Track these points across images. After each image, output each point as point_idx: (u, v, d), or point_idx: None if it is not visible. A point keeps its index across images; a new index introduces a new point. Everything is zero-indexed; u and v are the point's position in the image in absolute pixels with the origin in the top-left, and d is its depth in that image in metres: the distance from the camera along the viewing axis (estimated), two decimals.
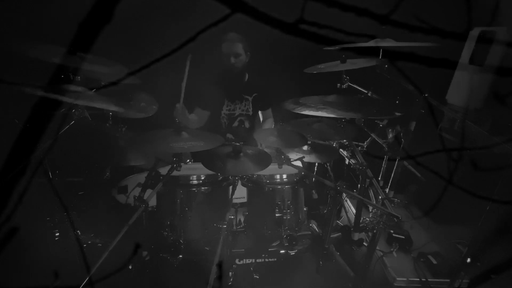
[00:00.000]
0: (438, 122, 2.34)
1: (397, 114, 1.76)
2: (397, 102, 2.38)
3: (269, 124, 2.83)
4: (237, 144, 1.84)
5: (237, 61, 2.51)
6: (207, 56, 2.46)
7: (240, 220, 2.10)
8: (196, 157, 2.48)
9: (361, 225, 2.17)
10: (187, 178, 1.95)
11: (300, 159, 2.06)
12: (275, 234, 2.01)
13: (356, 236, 2.13)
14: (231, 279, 1.92)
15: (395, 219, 1.66)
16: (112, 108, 1.57)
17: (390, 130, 2.42)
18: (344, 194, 2.20)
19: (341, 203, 2.46)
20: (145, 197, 1.77)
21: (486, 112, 2.23)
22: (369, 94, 2.44)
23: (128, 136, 2.08)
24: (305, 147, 2.18)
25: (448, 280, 1.90)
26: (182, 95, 1.98)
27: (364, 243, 2.14)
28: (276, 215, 1.98)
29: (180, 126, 1.86)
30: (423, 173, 2.85)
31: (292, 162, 2.02)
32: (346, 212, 2.61)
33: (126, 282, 1.70)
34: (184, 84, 1.92)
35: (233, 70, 2.53)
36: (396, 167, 2.53)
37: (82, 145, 1.95)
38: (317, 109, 1.77)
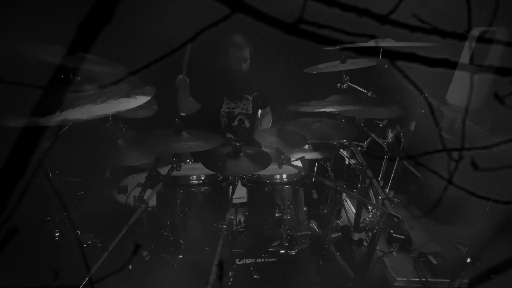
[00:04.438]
0: (438, 122, 2.34)
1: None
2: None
3: (267, 120, 2.84)
4: (237, 144, 1.84)
5: (246, 65, 2.53)
6: (208, 53, 2.46)
7: (240, 220, 2.10)
8: (196, 157, 2.48)
9: (361, 225, 2.17)
10: (187, 178, 1.95)
11: (300, 159, 2.06)
12: (275, 234, 2.01)
13: (356, 236, 2.13)
14: (231, 279, 1.92)
15: (395, 219, 1.66)
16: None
17: (390, 130, 2.42)
18: (344, 194, 2.19)
19: (341, 203, 2.46)
20: (145, 197, 1.77)
21: (486, 112, 2.22)
22: (369, 94, 2.44)
23: (128, 136, 2.07)
24: (305, 147, 2.18)
25: (448, 280, 1.90)
26: (185, 66, 1.98)
27: (364, 243, 2.14)
28: (276, 215, 1.97)
29: (180, 119, 1.84)
30: (423, 173, 2.85)
31: (292, 162, 2.02)
32: (346, 212, 2.61)
33: (126, 282, 1.70)
34: (187, 57, 1.91)
35: (239, 72, 2.53)
36: (396, 167, 2.53)
37: (82, 145, 1.95)
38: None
